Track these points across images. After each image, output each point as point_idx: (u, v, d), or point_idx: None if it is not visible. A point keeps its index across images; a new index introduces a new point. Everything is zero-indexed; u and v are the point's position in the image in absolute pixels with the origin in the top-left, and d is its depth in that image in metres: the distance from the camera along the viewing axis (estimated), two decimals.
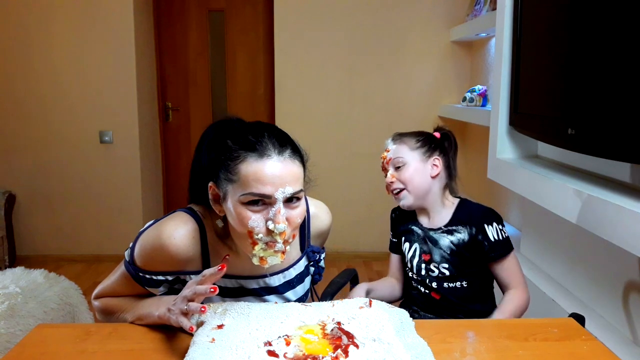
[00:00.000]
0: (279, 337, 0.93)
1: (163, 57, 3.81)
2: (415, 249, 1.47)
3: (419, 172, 1.42)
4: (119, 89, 3.48)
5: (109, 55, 3.45)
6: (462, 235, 1.41)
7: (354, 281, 1.66)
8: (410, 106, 3.60)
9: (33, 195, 3.58)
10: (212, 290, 0.94)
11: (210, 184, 1.04)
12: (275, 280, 1.16)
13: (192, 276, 1.08)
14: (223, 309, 1.01)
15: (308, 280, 1.24)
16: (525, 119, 1.82)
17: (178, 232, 1.05)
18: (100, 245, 3.61)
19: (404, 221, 1.54)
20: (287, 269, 1.17)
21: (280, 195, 0.96)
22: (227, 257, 1.06)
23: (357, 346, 0.91)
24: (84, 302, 1.72)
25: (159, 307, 1.04)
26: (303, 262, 1.21)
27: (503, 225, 1.42)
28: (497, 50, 2.04)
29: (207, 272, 0.97)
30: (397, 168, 1.43)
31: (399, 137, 1.48)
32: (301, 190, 1.00)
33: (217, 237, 1.11)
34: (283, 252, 1.00)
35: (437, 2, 3.49)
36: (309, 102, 3.60)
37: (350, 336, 0.94)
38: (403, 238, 1.52)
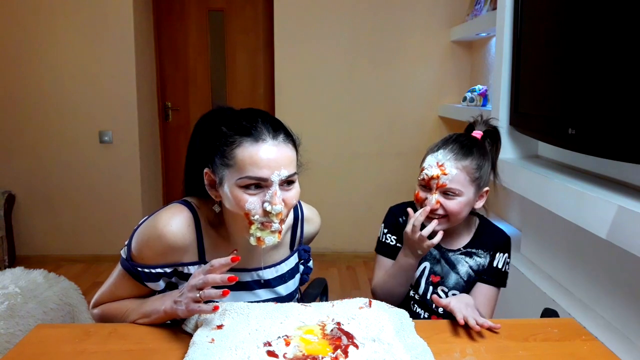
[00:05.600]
0: (279, 337, 0.93)
1: (163, 57, 3.80)
2: (425, 267, 1.33)
3: (469, 205, 1.25)
4: (118, 89, 3.47)
5: (109, 55, 3.44)
6: (482, 260, 1.30)
7: (325, 292, 1.55)
8: (410, 106, 3.60)
9: (33, 195, 3.58)
10: (229, 279, 0.94)
11: (205, 170, 1.07)
12: (268, 274, 1.18)
13: (189, 267, 1.10)
14: (223, 309, 1.01)
15: (298, 276, 1.27)
16: (526, 119, 1.82)
17: (174, 220, 1.07)
18: (100, 245, 3.61)
19: None
20: (279, 263, 1.20)
21: (276, 178, 1.00)
22: (236, 250, 1.06)
23: (356, 346, 0.91)
24: (84, 303, 1.71)
25: (164, 302, 1.04)
26: (294, 259, 1.24)
27: (510, 259, 1.33)
28: (497, 50, 2.04)
29: (215, 262, 0.97)
30: (447, 195, 1.22)
31: (462, 157, 1.22)
32: (295, 173, 1.04)
33: (210, 226, 1.12)
34: (279, 232, 1.03)
35: (437, 2, 3.49)
36: (309, 102, 3.59)
37: (350, 336, 0.94)
38: None
